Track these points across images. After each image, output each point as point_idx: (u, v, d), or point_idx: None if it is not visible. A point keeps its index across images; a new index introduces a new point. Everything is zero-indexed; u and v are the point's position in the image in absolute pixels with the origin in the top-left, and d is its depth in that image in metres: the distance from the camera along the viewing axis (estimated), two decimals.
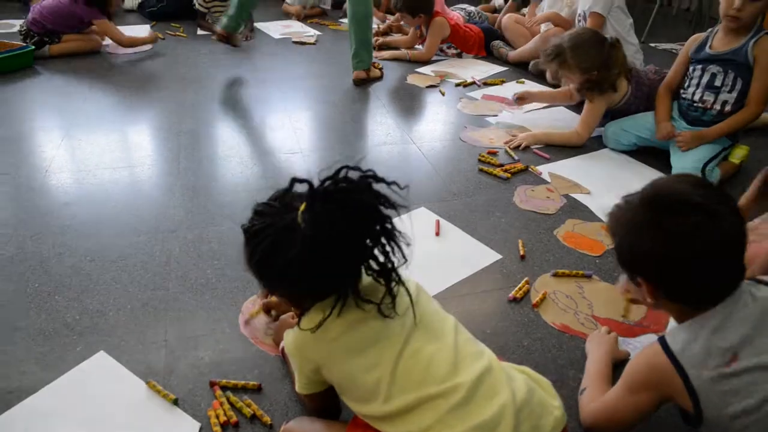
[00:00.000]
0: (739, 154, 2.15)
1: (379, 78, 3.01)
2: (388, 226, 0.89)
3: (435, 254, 1.60)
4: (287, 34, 3.83)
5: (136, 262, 1.54)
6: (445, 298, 1.42)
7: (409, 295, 0.93)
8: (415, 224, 1.72)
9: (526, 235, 1.69)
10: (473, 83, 2.99)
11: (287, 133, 2.39)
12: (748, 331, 0.85)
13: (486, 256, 1.59)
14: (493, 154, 2.19)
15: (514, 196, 1.90)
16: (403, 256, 0.92)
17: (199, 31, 3.83)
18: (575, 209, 1.84)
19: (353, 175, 0.87)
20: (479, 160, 2.13)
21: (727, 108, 2.14)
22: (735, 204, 0.87)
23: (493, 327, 1.34)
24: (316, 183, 0.85)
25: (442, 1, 3.74)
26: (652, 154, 2.20)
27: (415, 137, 2.35)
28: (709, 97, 2.18)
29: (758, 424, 0.83)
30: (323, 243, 0.83)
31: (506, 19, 3.49)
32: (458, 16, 3.80)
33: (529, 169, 2.08)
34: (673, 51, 3.71)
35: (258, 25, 3.97)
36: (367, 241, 0.88)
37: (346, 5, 2.75)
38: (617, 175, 2.11)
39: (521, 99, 2.50)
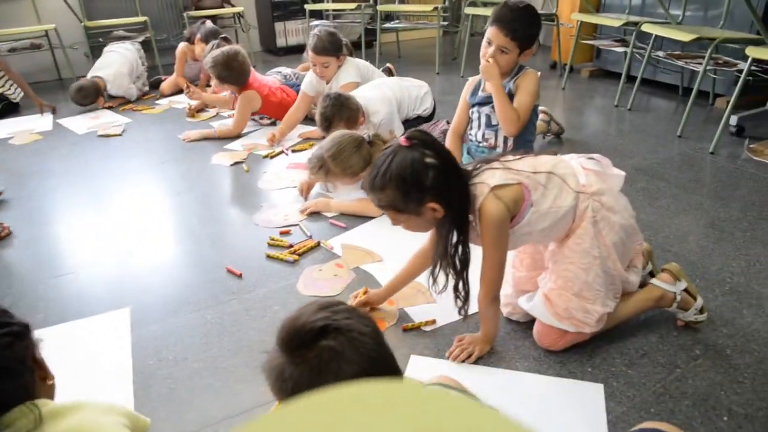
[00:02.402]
0: None
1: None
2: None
3: None
4: (94, 127, 3.55)
5: None
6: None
7: None
8: None
9: None
10: (282, 152, 2.87)
11: (62, 248, 2.10)
12: None
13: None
14: (286, 234, 2.05)
15: (299, 282, 1.76)
16: None
17: None
18: (365, 283, 1.72)
19: None
20: (268, 245, 1.98)
21: (510, 142, 2.18)
22: (358, 311, 0.89)
23: None
24: None
25: (252, 72, 3.65)
26: None
27: (204, 230, 2.16)
28: (490, 136, 2.22)
29: None
30: None
31: None
32: (274, 81, 3.72)
33: (321, 245, 1.96)
34: None
35: (62, 120, 3.67)
36: None
37: None
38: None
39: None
